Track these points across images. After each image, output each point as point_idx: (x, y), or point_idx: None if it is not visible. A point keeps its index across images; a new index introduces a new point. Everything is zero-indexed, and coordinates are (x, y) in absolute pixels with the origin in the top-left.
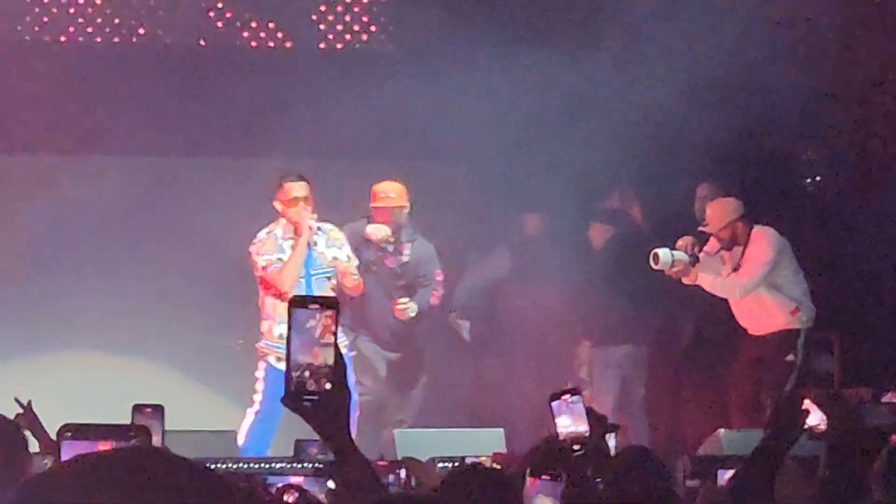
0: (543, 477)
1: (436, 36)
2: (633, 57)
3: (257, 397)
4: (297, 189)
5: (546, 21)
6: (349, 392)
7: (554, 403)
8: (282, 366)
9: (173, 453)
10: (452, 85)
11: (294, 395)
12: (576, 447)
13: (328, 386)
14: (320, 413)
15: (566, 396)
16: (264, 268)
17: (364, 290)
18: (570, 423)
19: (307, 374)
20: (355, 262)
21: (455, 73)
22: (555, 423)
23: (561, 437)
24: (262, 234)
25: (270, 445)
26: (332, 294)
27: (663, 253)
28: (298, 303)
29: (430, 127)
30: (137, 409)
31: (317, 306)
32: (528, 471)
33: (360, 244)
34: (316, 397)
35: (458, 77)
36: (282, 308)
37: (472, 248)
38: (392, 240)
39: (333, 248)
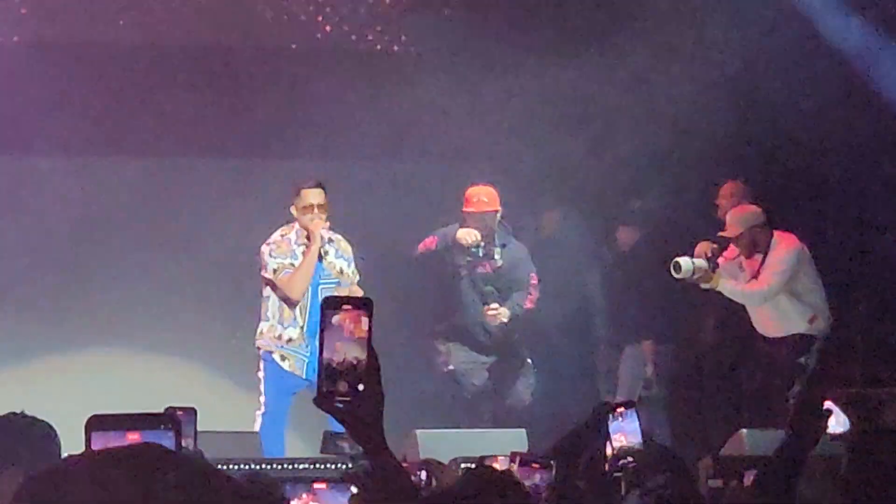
0: (533, 465)
1: (455, 40)
2: (654, 59)
3: (262, 398)
4: (313, 196)
5: (563, 25)
6: (382, 394)
7: (610, 419)
8: (286, 364)
9: (179, 453)
10: (471, 88)
11: (326, 396)
12: (629, 459)
13: (361, 387)
14: (353, 415)
15: (620, 409)
16: (275, 271)
17: (457, 295)
18: (623, 438)
19: (340, 375)
20: (357, 278)
21: (474, 76)
22: (610, 438)
23: (615, 451)
24: (275, 236)
25: (285, 445)
26: None
27: (685, 262)
28: (331, 304)
29: (448, 130)
30: (169, 411)
31: (349, 307)
32: (517, 460)
33: (452, 249)
34: (349, 399)
35: (477, 81)
36: (287, 311)
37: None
38: (483, 244)
39: (341, 259)
